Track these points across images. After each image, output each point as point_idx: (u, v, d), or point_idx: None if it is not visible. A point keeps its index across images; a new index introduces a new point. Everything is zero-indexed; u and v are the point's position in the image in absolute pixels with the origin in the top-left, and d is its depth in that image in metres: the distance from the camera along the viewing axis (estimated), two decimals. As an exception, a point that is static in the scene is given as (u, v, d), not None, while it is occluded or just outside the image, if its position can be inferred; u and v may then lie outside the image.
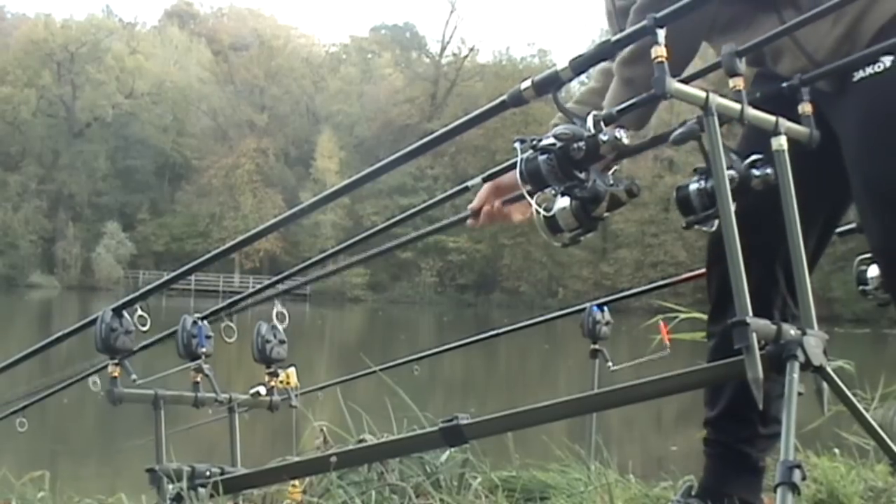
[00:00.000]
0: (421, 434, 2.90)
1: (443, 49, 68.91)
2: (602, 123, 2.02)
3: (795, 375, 1.93)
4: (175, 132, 68.67)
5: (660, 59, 1.93)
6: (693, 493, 2.61)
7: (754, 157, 2.12)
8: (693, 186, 2.09)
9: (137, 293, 3.32)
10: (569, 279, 57.04)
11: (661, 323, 3.74)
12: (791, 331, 1.99)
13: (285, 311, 3.33)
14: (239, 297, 3.93)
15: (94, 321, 3.18)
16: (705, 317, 3.17)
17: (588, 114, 2.04)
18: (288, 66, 71.47)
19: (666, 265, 54.05)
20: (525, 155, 2.04)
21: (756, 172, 2.11)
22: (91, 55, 67.21)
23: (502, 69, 62.69)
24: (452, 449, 3.06)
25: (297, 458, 3.17)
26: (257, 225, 3.41)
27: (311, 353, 22.28)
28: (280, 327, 3.43)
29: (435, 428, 2.62)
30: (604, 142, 2.00)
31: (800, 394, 1.92)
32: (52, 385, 3.99)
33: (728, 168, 2.07)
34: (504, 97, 2.20)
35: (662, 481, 3.10)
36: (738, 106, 2.06)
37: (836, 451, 3.37)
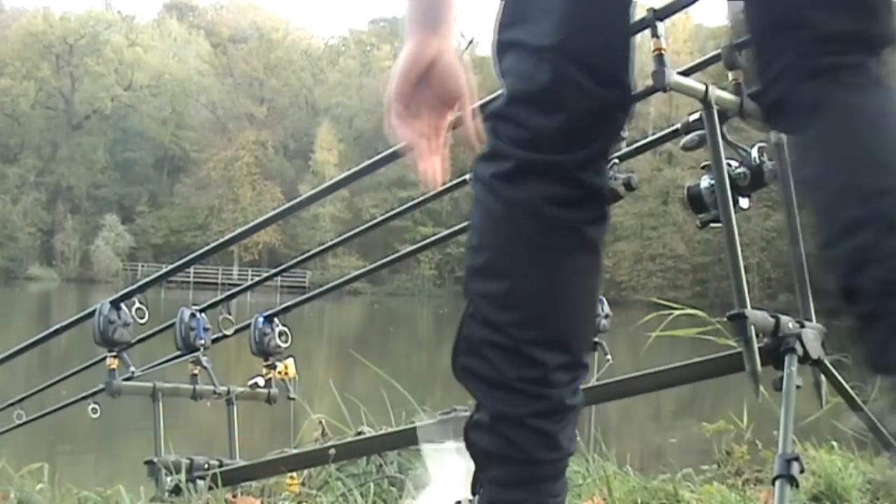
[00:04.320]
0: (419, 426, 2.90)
1: (442, 42, 68.72)
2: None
3: (793, 368, 1.93)
4: (174, 125, 68.59)
5: (659, 52, 1.92)
6: None
7: (760, 145, 2.11)
8: (704, 184, 2.09)
9: (136, 285, 3.32)
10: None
11: None
12: (789, 324, 1.99)
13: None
14: (238, 289, 3.94)
15: (92, 313, 3.18)
16: (701, 313, 3.16)
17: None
18: (287, 59, 71.38)
19: (665, 258, 54.06)
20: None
21: (769, 165, 2.10)
22: (90, 47, 67.11)
23: (501, 62, 62.52)
24: (451, 441, 3.05)
25: (295, 451, 3.17)
26: (256, 217, 3.42)
27: (309, 344, 22.30)
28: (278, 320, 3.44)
29: (433, 420, 2.62)
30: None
31: (798, 387, 1.92)
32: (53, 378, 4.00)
33: (738, 163, 2.07)
34: (502, 90, 2.20)
35: (661, 474, 3.10)
36: (737, 99, 2.06)
37: (835, 443, 3.37)
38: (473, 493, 1.37)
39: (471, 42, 68.54)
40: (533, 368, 1.28)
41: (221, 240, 3.85)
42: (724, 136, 2.05)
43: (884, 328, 1.10)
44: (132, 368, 3.22)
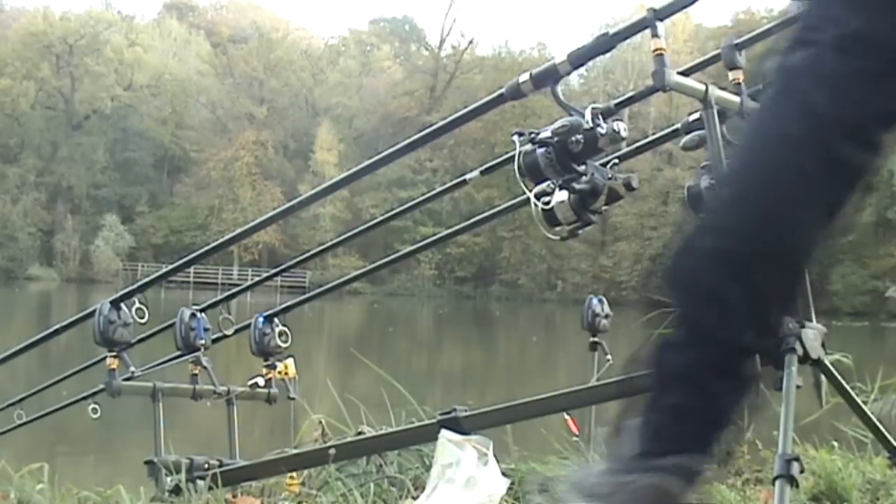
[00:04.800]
0: (419, 426, 2.91)
1: (442, 42, 68.79)
2: (601, 116, 2.02)
3: (793, 368, 1.93)
4: (174, 125, 68.56)
5: (659, 52, 1.93)
6: None
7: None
8: (704, 184, 2.09)
9: (136, 285, 3.32)
10: (567, 272, 57.02)
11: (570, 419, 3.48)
12: (789, 324, 1.99)
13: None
14: (238, 289, 3.95)
15: (92, 313, 3.18)
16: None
17: (587, 107, 2.04)
18: (287, 59, 71.35)
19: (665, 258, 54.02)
20: (523, 148, 2.04)
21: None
22: (90, 47, 67.09)
23: (501, 62, 62.60)
24: (451, 441, 3.05)
25: (295, 451, 3.17)
26: (256, 217, 3.42)
27: (309, 344, 22.31)
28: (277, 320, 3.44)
29: (433, 420, 2.62)
30: (602, 135, 2.00)
31: (798, 387, 1.92)
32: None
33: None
34: (502, 90, 2.20)
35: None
36: (737, 98, 2.06)
37: (835, 443, 3.37)
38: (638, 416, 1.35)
39: (471, 42, 68.60)
40: (743, 312, 1.26)
41: (221, 240, 3.85)
42: (724, 136, 2.05)
43: None
44: (132, 368, 3.21)
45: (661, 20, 1.93)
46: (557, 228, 2.09)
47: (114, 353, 3.18)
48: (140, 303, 3.21)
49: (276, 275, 4.17)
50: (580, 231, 2.10)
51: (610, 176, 2.06)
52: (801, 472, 1.79)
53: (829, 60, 1.19)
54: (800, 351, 1.96)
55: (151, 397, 3.25)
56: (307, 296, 3.84)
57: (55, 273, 61.27)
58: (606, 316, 3.78)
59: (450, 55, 67.86)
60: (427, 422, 2.89)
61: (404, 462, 3.18)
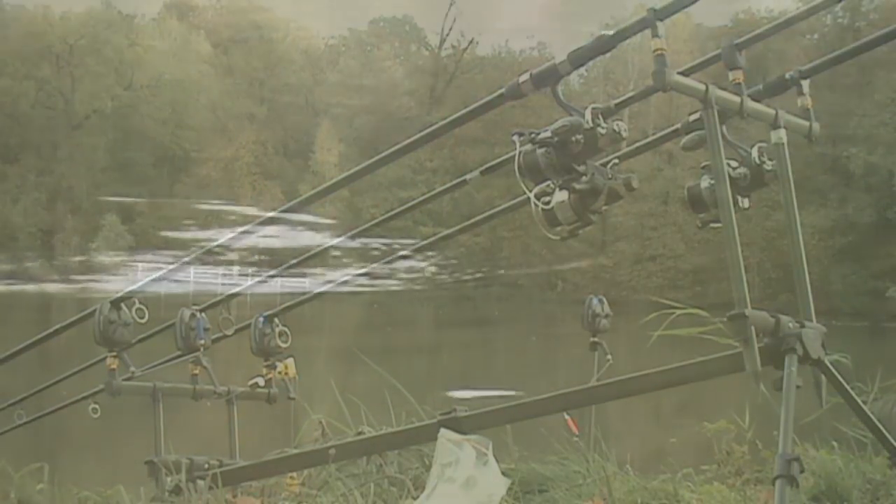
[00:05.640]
0: (419, 426, 2.91)
1: (442, 42, 68.75)
2: (601, 116, 2.02)
3: (794, 368, 1.93)
4: (174, 124, 68.51)
5: (659, 52, 1.92)
6: None
7: (760, 145, 2.12)
8: (704, 184, 2.09)
9: (136, 285, 3.32)
10: (568, 272, 56.99)
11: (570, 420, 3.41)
12: (789, 324, 1.99)
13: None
14: (238, 289, 3.94)
15: (92, 313, 3.18)
16: (703, 312, 3.16)
17: (587, 107, 2.04)
18: (287, 59, 71.36)
19: (665, 258, 54.04)
20: (523, 148, 2.04)
21: (769, 166, 2.11)
22: (90, 47, 67.03)
23: (501, 62, 62.61)
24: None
25: (295, 451, 3.17)
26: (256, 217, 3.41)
27: (310, 344, 22.29)
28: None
29: (433, 420, 2.62)
30: (602, 135, 2.00)
31: (798, 387, 1.92)
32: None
33: (738, 163, 2.07)
34: (502, 90, 2.20)
35: (661, 474, 3.10)
36: (737, 98, 2.06)
37: (835, 443, 3.37)
38: None
39: (471, 42, 68.56)
40: None
41: (221, 239, 3.85)
42: (724, 136, 2.05)
43: None
44: (132, 368, 3.22)
45: (661, 20, 1.93)
46: (557, 228, 2.09)
47: (114, 353, 3.18)
48: (140, 303, 3.21)
49: (276, 275, 4.16)
50: (580, 231, 2.10)
51: (610, 176, 2.06)
52: (801, 472, 1.79)
53: None
54: (800, 351, 1.96)
55: (151, 397, 3.25)
56: (307, 296, 3.83)
57: (55, 273, 61.25)
58: (606, 316, 3.78)
59: (450, 55, 67.84)
60: (427, 422, 2.89)
61: (404, 462, 3.18)
